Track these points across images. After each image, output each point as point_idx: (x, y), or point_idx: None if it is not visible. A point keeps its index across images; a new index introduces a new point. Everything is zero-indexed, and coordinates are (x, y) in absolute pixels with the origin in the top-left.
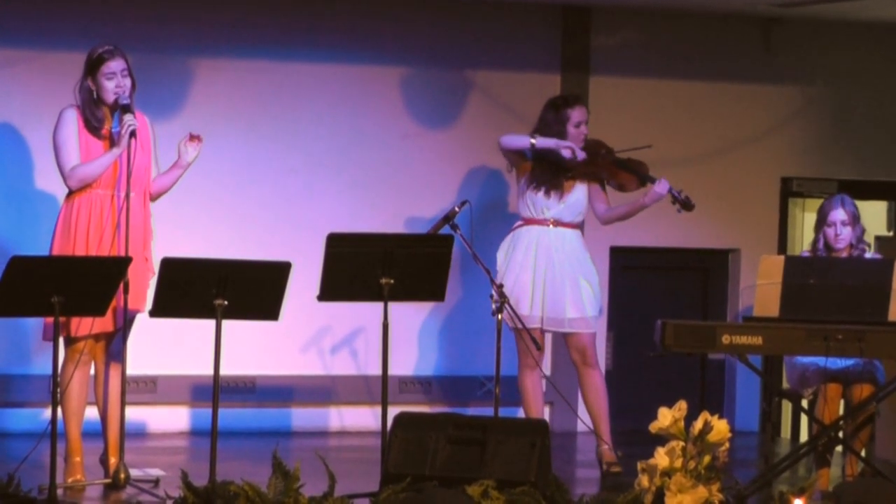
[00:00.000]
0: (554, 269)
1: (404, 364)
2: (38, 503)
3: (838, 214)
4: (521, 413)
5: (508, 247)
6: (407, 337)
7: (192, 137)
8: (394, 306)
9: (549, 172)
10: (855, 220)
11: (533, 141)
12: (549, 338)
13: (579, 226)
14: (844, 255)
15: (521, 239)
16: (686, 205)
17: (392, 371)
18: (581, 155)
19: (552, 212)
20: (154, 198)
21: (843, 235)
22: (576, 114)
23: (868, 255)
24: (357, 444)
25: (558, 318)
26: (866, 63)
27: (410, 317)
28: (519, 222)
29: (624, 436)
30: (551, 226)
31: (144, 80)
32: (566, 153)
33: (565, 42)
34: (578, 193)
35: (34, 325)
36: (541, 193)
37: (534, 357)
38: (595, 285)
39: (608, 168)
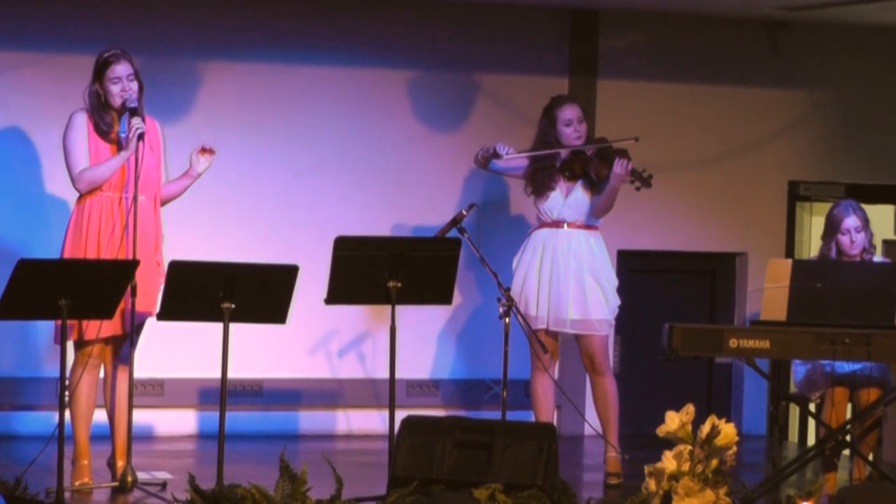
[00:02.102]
0: (559, 269)
1: (412, 367)
2: None
3: (852, 221)
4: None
5: (521, 251)
6: (414, 340)
7: (204, 150)
8: (401, 309)
9: (539, 175)
10: (866, 223)
11: (476, 154)
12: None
13: (593, 226)
14: (858, 260)
15: (532, 242)
16: (645, 182)
17: (399, 374)
18: (504, 150)
19: (556, 213)
20: (161, 203)
21: (857, 242)
22: (563, 113)
23: (876, 258)
24: (364, 448)
25: (561, 318)
26: (873, 66)
27: (418, 320)
28: (534, 227)
29: (631, 439)
30: (565, 227)
31: (152, 82)
32: (481, 155)
33: (573, 45)
34: (579, 192)
35: (43, 328)
36: (537, 197)
37: (541, 360)
38: (607, 288)
39: (592, 162)
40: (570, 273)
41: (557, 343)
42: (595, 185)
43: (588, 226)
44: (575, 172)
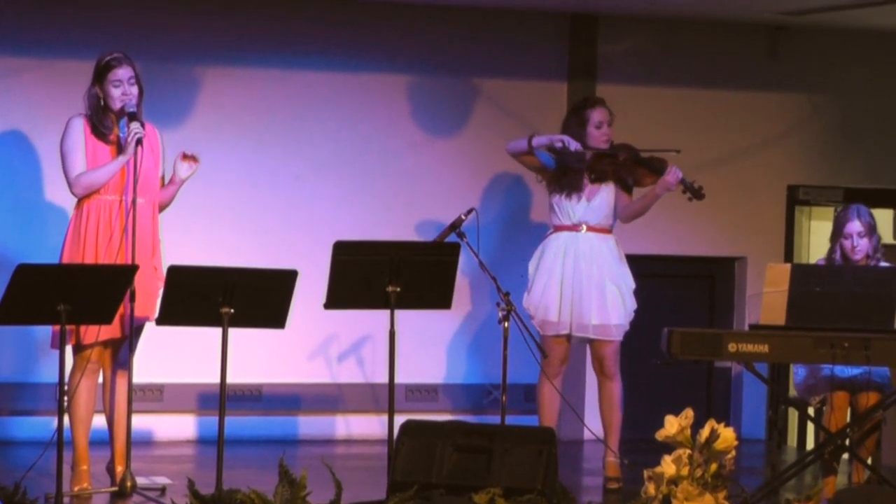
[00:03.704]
0: (581, 274)
1: (411, 372)
2: None
3: (854, 226)
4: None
5: (539, 255)
6: (413, 345)
7: (186, 157)
8: (400, 314)
9: (569, 175)
10: (871, 230)
11: (530, 138)
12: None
13: (611, 230)
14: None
15: (550, 246)
16: (697, 193)
17: (399, 379)
18: (573, 145)
19: (578, 215)
20: (162, 208)
21: (859, 247)
22: (595, 114)
23: (884, 264)
24: (364, 452)
25: (584, 323)
26: (873, 71)
27: (417, 324)
28: (550, 230)
29: (630, 444)
30: (583, 230)
31: (151, 87)
32: (558, 145)
33: (572, 50)
34: (603, 195)
35: (41, 333)
36: (563, 197)
37: (550, 366)
38: (625, 292)
39: (626, 165)
40: (592, 278)
41: (570, 347)
42: (630, 191)
43: (606, 229)
44: (602, 174)
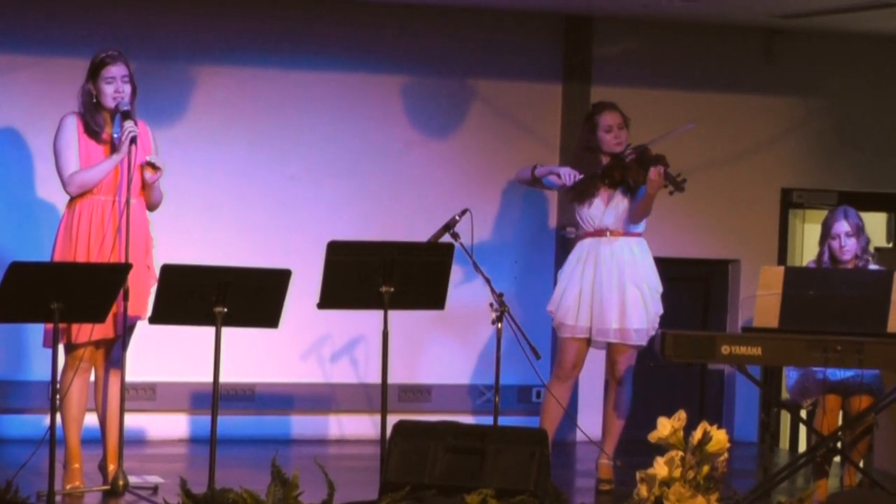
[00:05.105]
0: (601, 278)
1: (404, 372)
2: None
3: (842, 226)
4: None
5: (566, 262)
6: (407, 345)
7: (147, 165)
8: (394, 314)
9: (582, 183)
10: (859, 230)
11: (533, 169)
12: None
13: (636, 233)
14: (850, 266)
15: (576, 252)
16: (678, 185)
17: (391, 379)
18: (570, 178)
19: (598, 221)
20: (151, 209)
21: (847, 247)
22: (603, 119)
23: (872, 266)
24: (356, 453)
25: (605, 328)
26: (867, 74)
27: (410, 325)
28: (578, 237)
29: (623, 445)
30: (607, 235)
31: (146, 86)
32: (557, 182)
33: (567, 52)
34: (619, 199)
35: (33, 331)
36: (581, 206)
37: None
38: (648, 296)
39: (631, 168)
40: (612, 283)
41: (586, 352)
42: (633, 192)
43: (630, 233)
44: (615, 179)
